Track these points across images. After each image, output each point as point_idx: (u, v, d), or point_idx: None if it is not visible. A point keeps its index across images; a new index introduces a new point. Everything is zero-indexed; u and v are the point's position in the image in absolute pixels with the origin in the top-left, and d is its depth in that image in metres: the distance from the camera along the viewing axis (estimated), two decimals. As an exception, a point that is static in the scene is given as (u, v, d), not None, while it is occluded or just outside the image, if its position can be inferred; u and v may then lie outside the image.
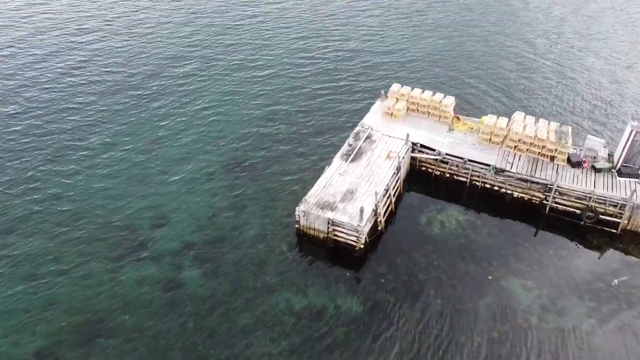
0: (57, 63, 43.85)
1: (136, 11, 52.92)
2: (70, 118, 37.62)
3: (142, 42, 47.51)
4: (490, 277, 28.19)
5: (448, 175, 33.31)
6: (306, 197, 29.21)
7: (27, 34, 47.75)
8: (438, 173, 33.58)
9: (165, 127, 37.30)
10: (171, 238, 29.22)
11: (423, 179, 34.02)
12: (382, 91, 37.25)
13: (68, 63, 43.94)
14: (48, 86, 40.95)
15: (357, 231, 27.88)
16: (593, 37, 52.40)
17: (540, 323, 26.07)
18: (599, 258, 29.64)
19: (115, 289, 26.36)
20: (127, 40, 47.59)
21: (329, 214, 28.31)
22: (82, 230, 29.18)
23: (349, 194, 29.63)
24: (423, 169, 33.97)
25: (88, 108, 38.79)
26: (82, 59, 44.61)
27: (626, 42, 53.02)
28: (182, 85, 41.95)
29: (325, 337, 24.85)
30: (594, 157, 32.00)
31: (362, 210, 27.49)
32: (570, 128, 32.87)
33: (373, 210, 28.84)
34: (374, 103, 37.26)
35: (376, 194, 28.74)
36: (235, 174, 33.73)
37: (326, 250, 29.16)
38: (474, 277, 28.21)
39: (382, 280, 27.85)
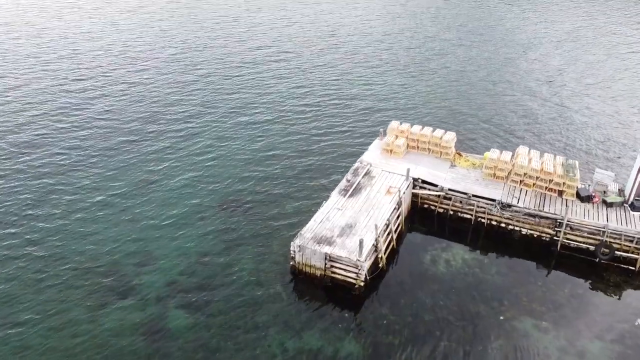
0: (53, 110, 43.40)
1: (135, 61, 53.20)
2: (59, 162, 36.35)
3: (139, 89, 47.26)
4: (501, 318, 25.90)
5: (452, 212, 31.67)
6: (302, 232, 27.47)
7: (21, 83, 47.66)
8: (441, 210, 31.96)
9: (158, 171, 35.78)
10: (158, 281, 27.17)
11: (425, 217, 32.34)
12: (381, 129, 36.33)
13: (63, 110, 43.46)
14: (42, 131, 40.24)
15: (357, 267, 25.92)
16: (592, 85, 52.28)
17: (559, 367, 23.65)
18: (618, 297, 27.44)
19: (95, 338, 24.01)
20: (125, 89, 47.38)
21: (326, 249, 26.45)
22: (63, 276, 27.11)
23: (348, 228, 27.90)
24: (425, 206, 32.38)
25: (80, 152, 37.70)
26: (77, 104, 44.14)
27: (628, 87, 52.76)
28: (179, 131, 40.89)
29: (322, 384, 22.45)
30: (604, 192, 30.50)
31: (361, 243, 25.66)
32: (577, 162, 31.58)
33: (373, 245, 27.00)
34: (373, 141, 36.26)
35: (376, 227, 27.01)
36: (229, 214, 32.04)
37: (323, 289, 27.04)
38: (484, 317, 25.93)
39: (385, 322, 25.56)
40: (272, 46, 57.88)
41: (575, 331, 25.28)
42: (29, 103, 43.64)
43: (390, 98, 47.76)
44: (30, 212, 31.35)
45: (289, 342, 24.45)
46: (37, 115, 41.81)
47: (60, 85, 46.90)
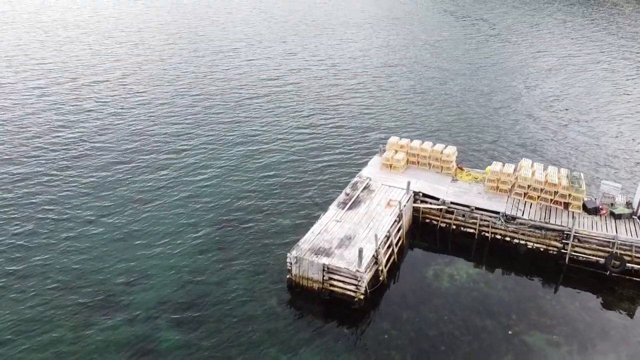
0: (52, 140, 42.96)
1: (132, 87, 53.18)
2: (54, 189, 35.38)
3: (139, 121, 46.85)
4: (510, 332, 24.43)
5: (454, 226, 30.58)
6: (299, 243, 26.34)
7: (19, 114, 47.46)
8: (443, 225, 30.87)
9: (152, 191, 34.57)
10: (148, 299, 25.77)
11: (427, 232, 31.21)
12: (380, 145, 35.68)
13: (55, 130, 43.01)
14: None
15: (356, 278, 24.66)
16: (592, 109, 51.98)
17: (574, 383, 22.07)
18: (632, 311, 26.01)
19: (81, 350, 22.65)
20: (120, 112, 47.07)
21: (324, 260, 25.27)
22: (47, 295, 25.67)
23: (347, 239, 26.78)
24: (427, 220, 31.31)
25: (77, 180, 36.74)
26: (76, 135, 43.61)
27: (628, 109, 52.46)
28: (178, 159, 39.89)
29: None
30: (612, 204, 29.52)
31: (361, 252, 24.49)
32: (582, 174, 30.72)
33: (373, 256, 25.83)
34: (372, 158, 35.53)
35: (376, 237, 25.90)
36: (224, 233, 30.73)
37: (321, 304, 25.69)
38: (491, 332, 24.47)
39: (386, 337, 24.10)
40: (272, 74, 57.99)
41: (589, 345, 23.79)
42: (21, 126, 43.20)
43: (389, 120, 47.32)
44: (17, 230, 30.20)
45: (283, 358, 22.96)
46: (27, 136, 41.27)
47: (57, 109, 46.60)
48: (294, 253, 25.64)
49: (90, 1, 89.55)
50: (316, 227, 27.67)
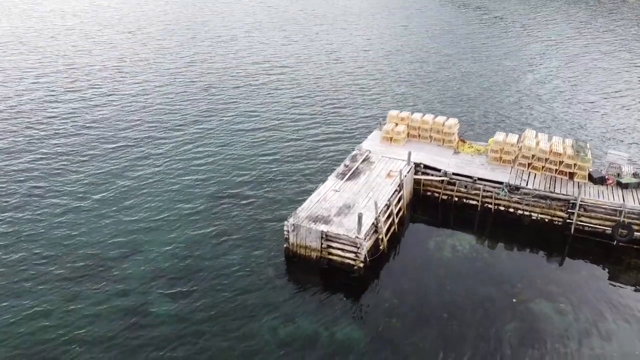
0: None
1: (128, 75, 52.42)
2: (44, 167, 34.76)
3: (131, 100, 46.15)
4: (514, 300, 23.62)
5: (456, 198, 29.78)
6: (296, 211, 25.55)
7: (13, 93, 46.78)
8: (445, 197, 30.07)
9: (148, 176, 33.62)
10: (141, 270, 24.94)
11: (428, 205, 30.41)
12: (380, 120, 34.89)
13: (53, 118, 42.29)
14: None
15: (356, 245, 23.87)
16: (594, 90, 51.19)
17: (582, 348, 21.19)
18: (640, 280, 25.28)
19: (69, 326, 21.75)
20: (117, 99, 46.36)
21: (323, 227, 24.48)
22: (39, 269, 24.91)
23: (346, 208, 25.99)
24: (428, 193, 30.51)
25: (68, 157, 36.20)
26: (68, 112, 42.93)
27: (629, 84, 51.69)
28: (175, 137, 39.11)
29: (318, 368, 20.08)
30: (618, 174, 28.71)
31: (360, 218, 23.69)
32: (587, 143, 29.92)
33: (373, 224, 25.04)
34: (372, 132, 34.76)
35: (376, 204, 25.11)
36: (222, 210, 29.71)
37: (320, 273, 24.92)
38: (495, 300, 23.66)
39: (387, 305, 23.30)
40: (270, 61, 57.25)
41: (597, 313, 22.98)
42: (19, 112, 42.46)
43: (389, 100, 46.52)
44: (10, 214, 29.38)
45: (281, 328, 22.11)
46: (25, 122, 40.53)
47: (52, 96, 45.76)
48: (291, 220, 24.85)
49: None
50: (314, 197, 26.88)
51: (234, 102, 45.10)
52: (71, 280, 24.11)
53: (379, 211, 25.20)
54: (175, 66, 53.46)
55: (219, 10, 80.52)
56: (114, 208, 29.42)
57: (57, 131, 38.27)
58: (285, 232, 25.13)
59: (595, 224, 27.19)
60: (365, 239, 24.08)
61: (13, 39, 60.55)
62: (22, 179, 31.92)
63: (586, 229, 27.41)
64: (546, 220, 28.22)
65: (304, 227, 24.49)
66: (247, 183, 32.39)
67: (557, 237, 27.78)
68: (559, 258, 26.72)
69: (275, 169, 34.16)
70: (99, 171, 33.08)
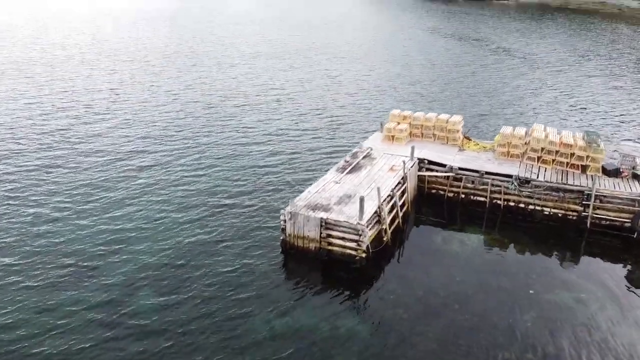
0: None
1: (122, 96, 51.87)
2: (34, 177, 33.52)
3: (124, 119, 45.36)
4: (531, 292, 21.65)
5: (463, 195, 28.18)
6: (294, 200, 23.93)
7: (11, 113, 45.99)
8: (451, 194, 28.47)
9: (137, 173, 32.97)
10: (127, 263, 22.97)
11: (434, 202, 28.75)
12: (381, 121, 33.71)
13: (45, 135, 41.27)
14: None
15: (358, 232, 22.11)
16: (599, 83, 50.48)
17: (610, 337, 19.12)
18: (667, 271, 23.34)
19: (47, 318, 19.84)
20: (111, 110, 45.56)
21: (322, 214, 22.79)
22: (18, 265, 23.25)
23: (346, 197, 24.36)
24: (433, 191, 28.92)
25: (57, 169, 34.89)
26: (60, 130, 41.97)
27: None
28: (172, 150, 38.41)
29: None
30: (634, 166, 27.25)
31: (362, 202, 22.03)
32: (599, 132, 28.64)
33: (376, 212, 23.35)
34: (373, 133, 33.50)
35: (379, 190, 23.49)
36: (215, 207, 28.13)
37: (319, 265, 23.03)
38: (510, 291, 21.70)
39: (392, 297, 21.32)
40: (269, 83, 56.90)
41: (626, 303, 20.99)
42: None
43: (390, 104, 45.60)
44: None
45: (276, 321, 20.03)
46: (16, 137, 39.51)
47: (46, 114, 44.97)
48: (288, 209, 23.19)
49: (92, 28, 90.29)
50: (313, 188, 25.32)
51: (233, 118, 44.00)
52: (52, 275, 22.22)
53: (381, 200, 23.57)
54: (175, 88, 52.84)
55: (220, 42, 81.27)
56: (104, 216, 27.55)
57: (48, 145, 37.03)
58: (282, 222, 23.40)
59: (613, 217, 25.50)
60: (367, 226, 22.36)
61: (11, 66, 60.42)
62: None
63: (603, 222, 25.69)
64: (559, 215, 26.53)
65: (301, 215, 22.79)
66: (243, 189, 30.44)
67: (573, 231, 26.01)
68: (576, 252, 24.91)
69: (269, 169, 32.73)
70: (89, 181, 31.52)
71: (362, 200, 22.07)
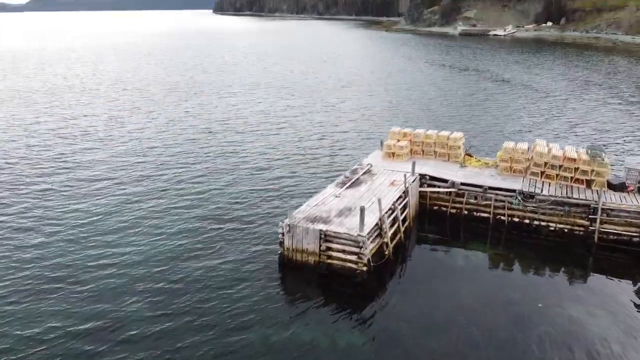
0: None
1: (118, 122, 51.86)
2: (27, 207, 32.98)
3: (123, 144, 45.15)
4: (540, 305, 20.73)
5: (466, 211, 27.50)
6: (293, 213, 23.25)
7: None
8: (454, 211, 27.78)
9: (135, 188, 32.47)
10: (118, 275, 22.27)
11: (436, 219, 27.99)
12: (382, 140, 33.33)
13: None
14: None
15: (358, 244, 21.36)
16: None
17: (629, 352, 18.10)
18: (680, 286, 22.40)
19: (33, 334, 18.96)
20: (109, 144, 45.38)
21: (321, 226, 22.09)
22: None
23: (347, 210, 23.70)
24: (435, 207, 28.25)
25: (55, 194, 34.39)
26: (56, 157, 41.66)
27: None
28: (168, 174, 38.13)
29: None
30: (639, 181, 26.66)
31: (362, 212, 21.36)
32: (603, 147, 28.17)
33: (377, 225, 22.65)
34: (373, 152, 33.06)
35: (380, 202, 22.85)
36: (210, 220, 27.68)
37: (318, 280, 22.14)
38: (518, 304, 20.75)
39: (394, 311, 20.38)
40: (268, 111, 57.01)
41: (638, 316, 20.04)
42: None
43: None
44: None
45: (274, 336, 19.04)
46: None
47: (44, 140, 44.86)
48: (286, 221, 22.51)
49: (94, 69, 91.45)
50: (312, 201, 24.71)
51: (232, 142, 43.89)
52: (40, 287, 21.42)
53: (382, 212, 22.91)
54: (175, 115, 53.03)
55: (220, 73, 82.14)
56: (98, 237, 26.86)
57: (43, 169, 36.70)
58: (280, 235, 22.69)
59: (621, 231, 24.76)
60: (368, 238, 21.63)
61: (11, 94, 60.78)
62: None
63: (611, 236, 24.92)
64: (566, 230, 25.77)
65: (300, 227, 22.09)
66: (241, 206, 29.86)
67: (580, 247, 25.18)
68: (584, 266, 24.03)
69: (270, 194, 32.06)
70: (85, 203, 31.13)
71: (362, 210, 21.41)
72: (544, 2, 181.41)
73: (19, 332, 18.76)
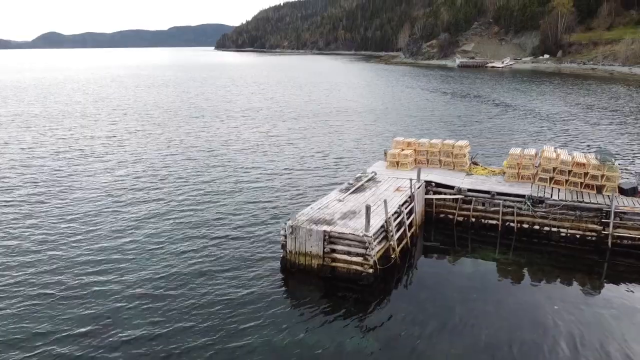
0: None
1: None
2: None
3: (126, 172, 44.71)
4: (556, 307, 19.72)
5: (474, 219, 26.67)
6: (296, 215, 22.45)
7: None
8: (461, 218, 26.96)
9: (134, 199, 31.79)
10: (116, 283, 21.33)
11: (443, 227, 27.14)
12: (385, 149, 32.76)
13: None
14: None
15: (364, 245, 20.48)
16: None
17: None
18: (702, 289, 21.36)
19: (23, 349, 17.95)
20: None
21: (325, 227, 21.27)
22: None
23: (351, 213, 22.92)
24: (442, 215, 27.44)
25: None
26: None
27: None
28: (169, 190, 37.59)
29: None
30: (650, 186, 25.96)
31: (368, 211, 20.56)
32: (613, 152, 27.53)
33: (383, 227, 21.82)
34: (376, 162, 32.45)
35: (385, 203, 22.07)
36: (211, 230, 26.86)
37: (322, 284, 21.17)
38: (532, 306, 19.74)
39: (403, 314, 19.32)
40: (269, 132, 56.83)
41: (660, 319, 19.02)
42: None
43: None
44: None
45: (277, 342, 18.02)
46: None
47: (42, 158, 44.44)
48: (289, 223, 21.69)
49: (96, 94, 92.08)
50: (315, 205, 23.95)
51: (233, 160, 43.29)
52: (35, 294, 20.47)
53: (388, 214, 22.12)
54: (176, 136, 52.71)
55: (223, 99, 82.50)
56: (96, 246, 26.10)
57: (36, 184, 36.15)
58: (282, 238, 21.84)
59: (635, 235, 23.89)
60: (374, 239, 20.79)
61: (11, 118, 60.76)
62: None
63: (625, 241, 24.04)
64: (577, 235, 24.89)
65: (303, 229, 21.26)
66: (242, 217, 29.16)
67: (593, 253, 24.26)
68: (598, 272, 23.01)
69: (272, 206, 31.35)
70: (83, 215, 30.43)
71: (368, 209, 20.64)
72: (541, 35, 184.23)
73: (13, 336, 17.84)
